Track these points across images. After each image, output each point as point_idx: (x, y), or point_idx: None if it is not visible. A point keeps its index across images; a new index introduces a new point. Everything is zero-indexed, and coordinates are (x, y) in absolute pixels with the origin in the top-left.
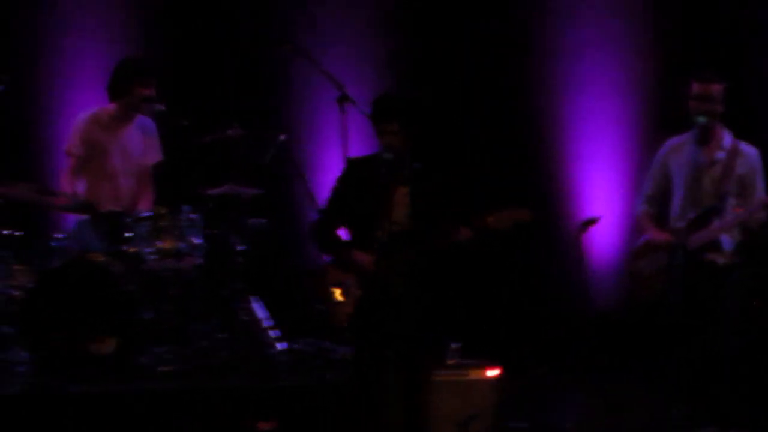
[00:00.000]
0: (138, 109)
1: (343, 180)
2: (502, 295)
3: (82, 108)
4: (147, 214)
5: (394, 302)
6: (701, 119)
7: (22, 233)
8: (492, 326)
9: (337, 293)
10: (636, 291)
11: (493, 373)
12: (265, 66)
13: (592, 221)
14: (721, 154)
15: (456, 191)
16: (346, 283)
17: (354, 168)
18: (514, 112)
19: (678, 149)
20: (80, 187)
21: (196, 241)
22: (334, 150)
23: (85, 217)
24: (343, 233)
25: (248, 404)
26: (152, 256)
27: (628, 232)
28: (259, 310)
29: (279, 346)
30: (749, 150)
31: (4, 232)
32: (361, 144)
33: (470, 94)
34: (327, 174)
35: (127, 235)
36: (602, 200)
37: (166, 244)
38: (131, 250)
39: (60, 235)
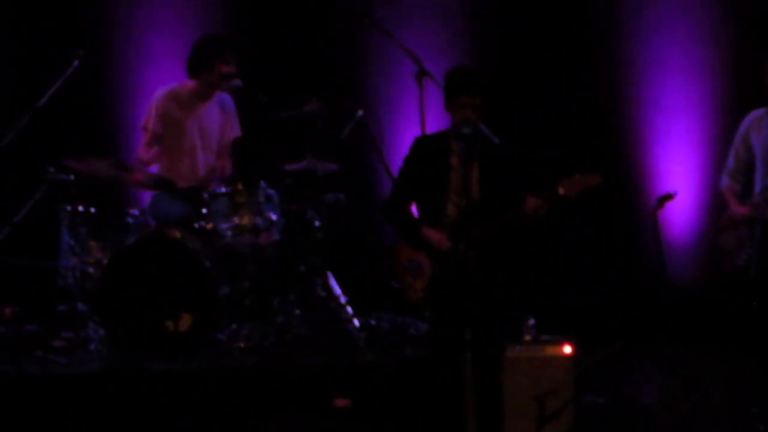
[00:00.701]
0: (218, 86)
1: (411, 157)
2: (576, 268)
3: (160, 83)
4: (224, 189)
5: (469, 278)
6: None
7: (98, 209)
8: (567, 300)
9: (410, 271)
10: (719, 265)
11: (569, 349)
12: (343, 40)
13: (668, 197)
14: None
15: (526, 163)
16: (418, 260)
17: (422, 145)
18: (592, 87)
19: (759, 122)
20: (157, 163)
21: (273, 216)
22: (412, 125)
23: (160, 192)
24: (414, 210)
25: (324, 380)
26: (229, 232)
27: (705, 207)
28: (336, 286)
29: (356, 321)
30: None
31: (80, 208)
32: (439, 119)
33: (546, 68)
34: (404, 149)
35: (204, 211)
36: (679, 176)
37: (243, 220)
38: (208, 226)
39: (135, 211)
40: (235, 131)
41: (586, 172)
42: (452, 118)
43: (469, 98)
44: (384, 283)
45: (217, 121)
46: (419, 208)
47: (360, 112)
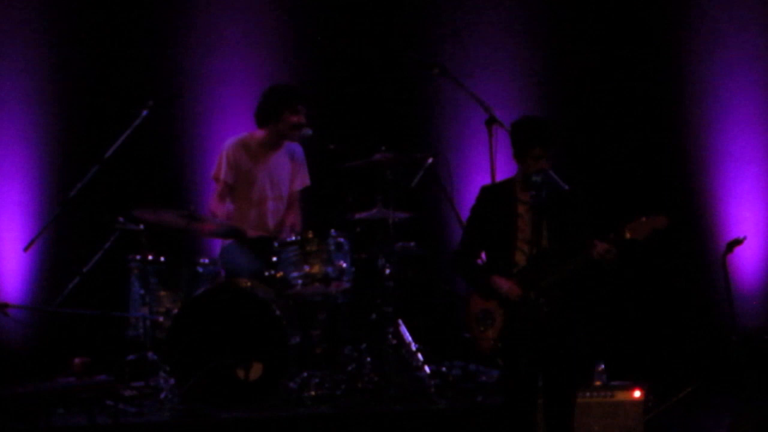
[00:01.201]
0: (287, 136)
1: (477, 207)
2: (645, 314)
3: (228, 133)
4: (294, 238)
5: (539, 326)
6: None
7: (168, 259)
8: (636, 345)
9: (481, 320)
10: None
11: (639, 394)
12: (413, 89)
13: (737, 241)
14: None
15: (594, 208)
16: (489, 309)
17: (488, 194)
18: (662, 133)
19: None
20: (228, 213)
21: (344, 265)
22: (482, 173)
23: (231, 242)
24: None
25: (396, 428)
26: (299, 281)
27: None
28: (407, 334)
29: (427, 369)
30: None
31: (149, 258)
32: (509, 166)
33: (616, 114)
34: (474, 198)
35: (274, 260)
36: (749, 221)
37: (313, 269)
38: (278, 275)
39: (205, 261)
40: (304, 181)
41: (653, 214)
42: (522, 168)
43: (543, 150)
44: (455, 331)
45: (286, 170)
46: (488, 257)
47: (430, 160)
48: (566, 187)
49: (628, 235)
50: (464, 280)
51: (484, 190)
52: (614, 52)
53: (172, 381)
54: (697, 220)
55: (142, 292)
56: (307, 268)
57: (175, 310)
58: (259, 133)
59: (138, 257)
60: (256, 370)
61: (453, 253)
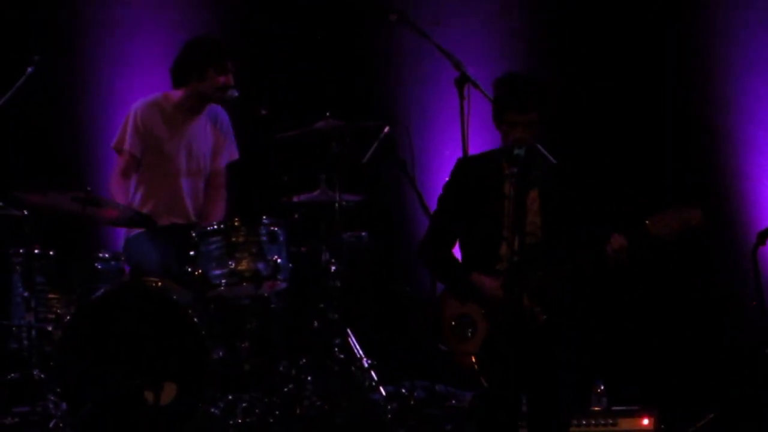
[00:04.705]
0: (210, 98)
1: (453, 185)
2: (658, 323)
3: (137, 95)
4: (217, 227)
5: (529, 336)
6: None
7: (59, 253)
8: (646, 362)
9: (458, 329)
10: None
11: (648, 422)
12: (365, 41)
13: None
14: None
15: (601, 191)
16: (469, 315)
17: (467, 170)
18: (679, 98)
19: None
20: (135, 195)
21: (279, 261)
22: (452, 145)
23: (138, 231)
24: (458, 252)
25: None
26: (224, 280)
27: None
28: (358, 347)
29: (383, 390)
30: None
31: (36, 251)
32: (485, 136)
33: (622, 74)
34: (443, 175)
35: (192, 254)
36: None
37: (241, 265)
38: (197, 272)
39: (106, 255)
40: (230, 153)
41: (681, 205)
42: (503, 137)
43: (520, 115)
44: (423, 341)
45: (208, 140)
46: (465, 249)
47: (386, 130)
48: (553, 161)
49: (651, 230)
50: (437, 277)
51: (462, 164)
52: None
53: (63, 406)
54: (722, 204)
55: (26, 294)
56: (232, 265)
57: (68, 317)
58: (176, 95)
59: (21, 251)
60: (169, 393)
61: (421, 244)
